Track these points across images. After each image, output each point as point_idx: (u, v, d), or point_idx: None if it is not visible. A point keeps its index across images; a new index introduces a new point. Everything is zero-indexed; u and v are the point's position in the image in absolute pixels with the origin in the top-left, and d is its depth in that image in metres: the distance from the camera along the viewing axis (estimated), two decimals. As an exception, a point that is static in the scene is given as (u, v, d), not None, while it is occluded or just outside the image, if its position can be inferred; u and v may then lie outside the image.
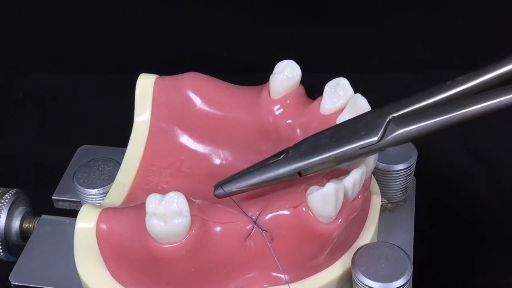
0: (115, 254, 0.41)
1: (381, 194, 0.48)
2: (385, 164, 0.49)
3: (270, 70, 0.47)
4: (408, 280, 0.41)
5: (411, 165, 0.49)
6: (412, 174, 0.50)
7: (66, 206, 0.53)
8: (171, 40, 0.82)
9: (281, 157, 0.41)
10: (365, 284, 0.41)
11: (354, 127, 0.39)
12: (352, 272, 0.42)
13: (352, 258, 0.42)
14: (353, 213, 0.41)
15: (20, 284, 0.47)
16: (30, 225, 0.51)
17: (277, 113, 0.46)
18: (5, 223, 0.51)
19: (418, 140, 0.40)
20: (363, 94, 0.43)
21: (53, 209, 0.53)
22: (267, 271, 0.41)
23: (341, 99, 0.44)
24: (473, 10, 0.80)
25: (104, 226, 0.41)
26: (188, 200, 0.39)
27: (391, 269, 0.41)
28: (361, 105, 0.42)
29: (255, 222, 0.40)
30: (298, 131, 0.46)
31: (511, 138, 0.71)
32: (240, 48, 0.82)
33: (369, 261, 0.42)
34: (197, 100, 0.48)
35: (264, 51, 0.79)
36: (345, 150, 0.39)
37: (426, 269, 0.55)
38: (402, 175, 0.49)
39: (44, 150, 0.72)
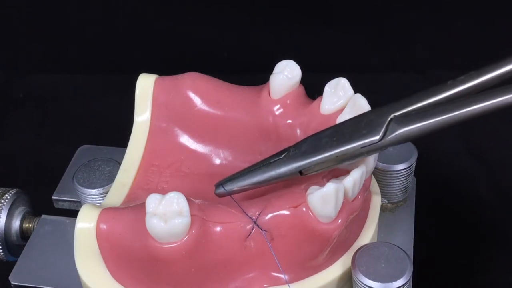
0: (115, 254, 0.41)
1: (381, 194, 0.48)
2: (385, 164, 0.49)
3: (270, 70, 0.47)
4: (408, 280, 0.41)
5: (411, 165, 0.49)
6: (412, 174, 0.50)
7: (66, 206, 0.53)
8: (171, 40, 0.82)
9: (282, 156, 0.41)
10: (365, 284, 0.41)
11: (356, 126, 0.39)
12: (352, 272, 0.42)
13: (352, 258, 0.42)
14: (353, 213, 0.41)
15: (20, 284, 0.47)
16: (30, 225, 0.51)
17: (277, 113, 0.46)
18: (5, 223, 0.51)
19: (418, 140, 0.40)
20: (363, 94, 0.43)
21: (53, 209, 0.53)
22: (267, 271, 0.41)
23: (341, 99, 0.44)
24: (473, 10, 0.80)
25: (104, 226, 0.41)
26: (188, 200, 0.39)
27: (391, 269, 0.41)
28: (361, 105, 0.42)
29: (255, 222, 0.40)
30: (298, 131, 0.46)
31: (511, 138, 0.71)
32: (240, 48, 0.82)
33: (369, 261, 0.42)
34: (197, 100, 0.48)
35: (264, 51, 0.79)
36: (346, 149, 0.39)
37: (426, 269, 0.55)
38: (402, 175, 0.49)
39: (44, 150, 0.72)
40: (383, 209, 0.50)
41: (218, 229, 0.40)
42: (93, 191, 0.49)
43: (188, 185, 0.47)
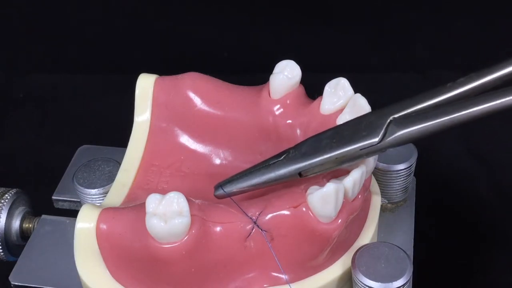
0: (115, 254, 0.41)
1: (381, 194, 0.48)
2: (385, 164, 0.49)
3: (270, 70, 0.47)
4: (408, 280, 0.41)
5: (411, 165, 0.49)
6: (412, 174, 0.50)
7: (66, 206, 0.53)
8: (171, 40, 0.82)
9: (282, 157, 0.41)
10: (365, 284, 0.41)
11: (355, 128, 0.39)
12: (352, 272, 0.42)
13: (352, 258, 0.42)
14: (353, 213, 0.41)
15: (20, 284, 0.47)
16: (30, 225, 0.51)
17: (277, 113, 0.46)
18: (5, 223, 0.51)
19: (419, 141, 0.40)
20: (363, 94, 0.43)
21: (53, 209, 0.53)
22: (267, 271, 0.41)
23: (341, 99, 0.44)
24: (473, 10, 0.80)
25: (104, 226, 0.41)
26: (188, 200, 0.39)
27: (391, 269, 0.41)
28: (361, 105, 0.42)
29: (255, 222, 0.40)
30: (298, 131, 0.46)
31: (511, 138, 0.71)
32: (240, 48, 0.82)
33: (369, 261, 0.42)
34: (197, 100, 0.48)
35: (264, 51, 0.79)
36: (345, 151, 0.39)
37: (426, 269, 0.55)
38: (402, 175, 0.49)
39: (44, 150, 0.72)
40: (383, 209, 0.50)
41: (218, 229, 0.40)
42: (93, 191, 0.49)
43: (188, 185, 0.47)
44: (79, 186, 0.49)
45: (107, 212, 0.41)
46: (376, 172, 0.49)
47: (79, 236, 0.41)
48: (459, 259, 0.60)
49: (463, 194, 0.66)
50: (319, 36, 0.81)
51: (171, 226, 0.38)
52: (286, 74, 0.46)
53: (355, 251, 0.42)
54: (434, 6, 0.81)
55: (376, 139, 0.38)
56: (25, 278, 0.48)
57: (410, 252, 0.48)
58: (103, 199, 0.48)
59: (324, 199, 0.39)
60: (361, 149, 0.39)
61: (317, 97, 0.45)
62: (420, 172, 0.52)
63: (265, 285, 0.42)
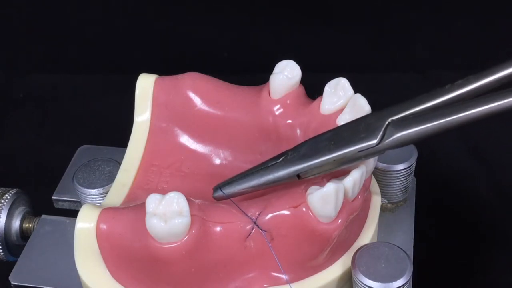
0: (115, 254, 0.41)
1: (381, 194, 0.48)
2: (385, 164, 0.49)
3: (270, 70, 0.47)
4: (408, 280, 0.41)
5: (411, 165, 0.49)
6: (412, 174, 0.50)
7: (66, 206, 0.53)
8: (171, 40, 0.82)
9: (281, 159, 0.41)
10: (365, 284, 0.41)
11: (354, 130, 0.39)
12: (352, 272, 0.42)
13: (352, 258, 0.42)
14: (353, 213, 0.41)
15: (20, 284, 0.47)
16: (30, 225, 0.51)
17: (277, 113, 0.46)
18: (5, 223, 0.51)
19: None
20: (363, 94, 0.43)
21: (53, 209, 0.53)
22: (267, 271, 0.41)
23: (341, 99, 0.44)
24: (473, 10, 0.80)
25: (104, 226, 0.41)
26: (188, 200, 0.39)
27: (391, 269, 0.41)
28: (361, 105, 0.42)
29: (255, 222, 0.40)
30: (298, 131, 0.46)
31: (511, 138, 0.71)
32: (240, 48, 0.82)
33: (369, 261, 0.42)
34: (197, 100, 0.48)
35: (264, 51, 0.79)
36: (344, 153, 0.39)
37: (426, 269, 0.55)
38: (402, 175, 0.49)
39: (44, 150, 0.72)
40: (383, 209, 0.50)
41: (218, 229, 0.40)
42: (93, 191, 0.49)
43: (188, 185, 0.47)
44: (79, 186, 0.49)
45: (107, 212, 0.41)
46: (376, 172, 0.49)
47: (79, 236, 0.41)
48: (459, 259, 0.60)
49: (463, 194, 0.66)
50: (319, 36, 0.81)
51: (171, 226, 0.38)
52: (286, 74, 0.46)
53: (355, 251, 0.42)
54: (434, 6, 0.81)
55: (375, 141, 0.38)
56: (25, 278, 0.48)
57: (410, 252, 0.48)
58: (103, 199, 0.48)
59: (324, 199, 0.39)
60: (359, 151, 0.39)
61: (317, 97, 0.45)
62: (420, 172, 0.52)
63: (265, 285, 0.42)
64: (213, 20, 0.82)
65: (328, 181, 0.40)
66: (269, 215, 0.40)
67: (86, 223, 0.41)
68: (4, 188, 0.52)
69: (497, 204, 0.65)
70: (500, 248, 0.61)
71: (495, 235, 0.62)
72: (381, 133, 0.38)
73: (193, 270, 0.40)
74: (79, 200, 0.51)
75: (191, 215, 0.38)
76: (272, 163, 0.41)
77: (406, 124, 0.38)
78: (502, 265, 0.59)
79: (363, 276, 0.41)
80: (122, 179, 0.47)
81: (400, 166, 0.49)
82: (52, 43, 0.82)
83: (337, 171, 0.41)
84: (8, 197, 0.51)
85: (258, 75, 0.50)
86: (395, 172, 0.49)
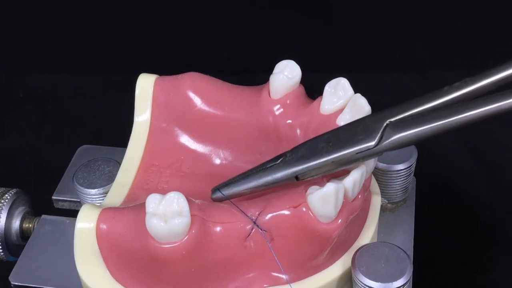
0: (115, 254, 0.41)
1: (381, 194, 0.48)
2: (385, 164, 0.49)
3: (270, 70, 0.47)
4: (408, 280, 0.41)
5: (411, 165, 0.49)
6: (412, 174, 0.50)
7: (66, 206, 0.53)
8: (171, 40, 0.82)
9: (279, 161, 0.41)
10: (365, 284, 0.41)
11: (352, 132, 0.40)
12: (352, 272, 0.42)
13: (352, 258, 0.42)
14: (353, 213, 0.41)
15: (20, 284, 0.47)
16: (30, 225, 0.51)
17: (277, 113, 0.46)
18: (5, 223, 0.51)
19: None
20: (363, 94, 0.43)
21: (53, 209, 0.53)
22: (267, 271, 0.41)
23: (341, 99, 0.44)
24: (473, 10, 0.80)
25: (104, 226, 0.41)
26: (188, 200, 0.39)
27: (391, 269, 0.41)
28: (361, 105, 0.42)
29: (254, 222, 0.40)
30: (298, 131, 0.46)
31: (511, 138, 0.71)
32: (240, 48, 0.82)
33: (369, 261, 0.42)
34: (197, 100, 0.48)
35: (264, 51, 0.79)
36: (342, 155, 0.39)
37: (426, 269, 0.55)
38: (402, 175, 0.49)
39: (44, 150, 0.72)
40: (383, 209, 0.50)
41: (218, 229, 0.40)
42: (93, 191, 0.49)
43: (188, 185, 0.47)
44: (79, 186, 0.49)
45: (107, 212, 0.41)
46: (376, 172, 0.49)
47: (79, 236, 0.41)
48: (459, 259, 0.60)
49: (463, 194, 0.66)
50: (319, 36, 0.81)
51: (171, 226, 0.38)
52: (286, 74, 0.46)
53: (355, 251, 0.42)
54: (434, 6, 0.81)
55: (373, 143, 0.38)
56: (25, 278, 0.48)
57: (410, 252, 0.48)
58: (103, 199, 0.48)
59: (324, 199, 0.39)
60: (357, 153, 0.39)
61: (317, 97, 0.45)
62: (420, 172, 0.52)
63: (265, 285, 0.42)
64: (213, 20, 0.82)
65: (328, 181, 0.40)
66: (269, 215, 0.40)
67: (86, 223, 0.41)
68: (4, 188, 0.52)
69: (497, 204, 0.65)
70: (500, 248, 0.61)
71: (495, 235, 0.62)
72: (379, 134, 0.38)
73: (193, 270, 0.40)
74: (79, 200, 0.51)
75: (191, 215, 0.38)
76: (270, 165, 0.42)
77: (404, 126, 0.38)
78: (502, 265, 0.59)
79: (363, 276, 0.41)
80: (122, 179, 0.47)
81: (400, 166, 0.49)
82: (52, 43, 0.82)
83: (337, 171, 0.41)
84: (8, 197, 0.51)
85: (258, 75, 0.50)
86: (395, 172, 0.49)
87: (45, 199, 0.54)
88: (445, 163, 0.69)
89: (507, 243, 0.61)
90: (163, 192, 0.39)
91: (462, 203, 0.65)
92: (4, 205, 0.50)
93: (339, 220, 0.40)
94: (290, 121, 0.46)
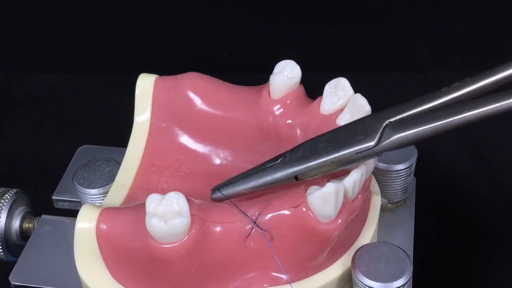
0: (115, 254, 0.41)
1: (381, 194, 0.48)
2: (385, 164, 0.49)
3: (270, 70, 0.47)
4: (408, 280, 0.41)
5: (411, 165, 0.49)
6: (412, 174, 0.50)
7: (66, 206, 0.53)
8: (171, 40, 0.82)
9: (278, 161, 0.41)
10: (365, 284, 0.41)
11: (351, 132, 0.40)
12: (352, 272, 0.42)
13: (352, 258, 0.42)
14: (353, 213, 0.41)
15: (20, 284, 0.47)
16: (30, 225, 0.51)
17: (277, 113, 0.46)
18: (5, 223, 0.51)
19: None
20: (363, 94, 0.43)
21: (53, 209, 0.53)
22: (267, 271, 0.41)
23: (341, 99, 0.44)
24: (473, 10, 0.80)
25: (104, 226, 0.41)
26: (188, 200, 0.39)
27: (391, 269, 0.41)
28: (361, 105, 0.42)
29: (254, 222, 0.40)
30: (298, 131, 0.46)
31: (511, 138, 0.71)
32: (240, 48, 0.82)
33: (369, 261, 0.42)
34: (197, 100, 0.48)
35: (264, 51, 0.79)
36: (341, 155, 0.39)
37: (426, 269, 0.55)
38: (402, 175, 0.49)
39: (44, 150, 0.72)
40: (383, 209, 0.50)
41: (218, 229, 0.40)
42: (93, 191, 0.49)
43: (188, 185, 0.47)
44: (79, 186, 0.49)
45: (107, 212, 0.41)
46: (376, 172, 0.49)
47: (79, 236, 0.41)
48: (459, 259, 0.60)
49: (463, 194, 0.66)
50: (319, 36, 0.81)
51: (171, 226, 0.38)
52: (286, 74, 0.46)
53: (355, 251, 0.42)
54: (434, 6, 0.81)
55: (372, 143, 0.38)
56: (25, 278, 0.48)
57: (410, 252, 0.48)
58: (103, 199, 0.48)
59: (324, 199, 0.39)
60: (357, 153, 0.39)
61: (317, 97, 0.45)
62: (420, 172, 0.52)
63: (265, 285, 0.42)
64: (213, 20, 0.82)
65: (328, 181, 0.40)
66: (269, 215, 0.40)
67: (86, 223, 0.41)
68: (4, 188, 0.52)
69: (497, 204, 0.65)
70: (500, 248, 0.61)
71: (495, 235, 0.62)
72: (378, 135, 0.38)
73: (193, 270, 0.40)
74: (79, 200, 0.51)
75: (191, 215, 0.38)
76: (270, 165, 0.42)
77: (403, 126, 0.38)
78: (502, 265, 0.59)
79: (363, 276, 0.41)
80: (122, 179, 0.47)
81: (400, 166, 0.49)
82: (52, 43, 0.82)
83: (337, 171, 0.41)
84: (8, 197, 0.51)
85: (258, 75, 0.50)
86: (395, 172, 0.49)
87: (45, 199, 0.54)
88: (445, 163, 0.69)
89: (507, 243, 0.61)
90: (163, 192, 0.39)
91: (462, 203, 0.65)
92: (4, 205, 0.50)
93: (339, 220, 0.40)
94: (290, 121, 0.46)
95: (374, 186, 0.48)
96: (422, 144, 0.41)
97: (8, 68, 0.82)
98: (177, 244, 0.38)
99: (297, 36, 0.82)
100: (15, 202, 0.51)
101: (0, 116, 0.77)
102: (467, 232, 0.62)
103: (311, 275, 0.42)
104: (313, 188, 0.40)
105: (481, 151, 0.70)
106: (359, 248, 0.43)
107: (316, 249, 0.41)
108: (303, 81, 0.47)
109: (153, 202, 0.39)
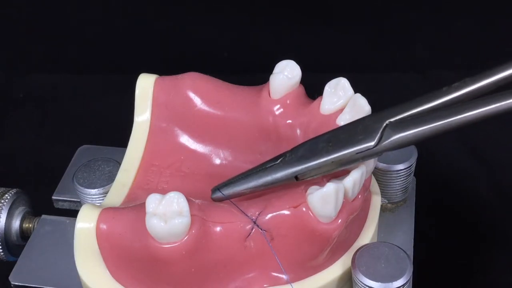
0: (115, 254, 0.41)
1: (381, 194, 0.48)
2: (385, 164, 0.49)
3: (270, 70, 0.47)
4: (408, 280, 0.41)
5: (411, 165, 0.49)
6: (412, 174, 0.50)
7: (66, 206, 0.53)
8: (171, 40, 0.82)
9: (279, 161, 0.41)
10: (365, 284, 0.41)
11: (352, 132, 0.40)
12: (352, 272, 0.42)
13: (352, 258, 0.42)
14: (353, 213, 0.41)
15: (20, 284, 0.47)
16: (30, 225, 0.51)
17: (277, 113, 0.46)
18: (5, 223, 0.51)
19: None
20: (363, 94, 0.43)
21: (53, 209, 0.53)
22: (267, 271, 0.41)
23: (341, 99, 0.44)
24: (473, 10, 0.80)
25: (104, 226, 0.41)
26: (188, 200, 0.39)
27: (391, 269, 0.41)
28: (361, 105, 0.42)
29: (254, 222, 0.40)
30: (298, 131, 0.46)
31: (511, 138, 0.71)
32: (240, 48, 0.82)
33: (369, 261, 0.42)
34: (197, 100, 0.48)
35: (264, 51, 0.79)
36: (341, 155, 0.39)
37: (426, 269, 0.55)
38: (402, 175, 0.49)
39: (44, 150, 0.72)
40: (383, 209, 0.50)
41: (218, 229, 0.40)
42: (93, 191, 0.49)
43: (188, 185, 0.47)
44: (79, 186, 0.49)
45: (107, 212, 0.41)
46: (376, 172, 0.49)
47: (79, 236, 0.41)
48: (459, 259, 0.60)
49: (463, 194, 0.66)
50: (319, 36, 0.81)
51: (171, 226, 0.38)
52: (286, 74, 0.46)
53: (355, 251, 0.42)
54: (434, 6, 0.81)
55: (372, 143, 0.38)
56: (25, 278, 0.48)
57: (410, 252, 0.48)
58: (103, 199, 0.48)
59: (324, 199, 0.39)
60: (357, 153, 0.39)
61: (317, 97, 0.45)
62: (420, 172, 0.52)
63: (265, 285, 0.42)
64: (213, 20, 0.82)
65: (328, 181, 0.40)
66: (269, 215, 0.40)
67: (86, 223, 0.41)
68: (4, 188, 0.52)
69: (497, 204, 0.65)
70: (500, 248, 0.61)
71: (495, 235, 0.62)
72: (378, 135, 0.38)
73: (193, 270, 0.40)
74: (79, 200, 0.51)
75: (191, 215, 0.38)
76: (270, 165, 0.42)
77: (403, 126, 0.38)
78: (502, 265, 0.59)
79: (363, 276, 0.41)
80: (122, 179, 0.47)
81: (400, 166, 0.49)
82: (52, 43, 0.82)
83: (337, 171, 0.41)
84: (8, 197, 0.51)
85: (258, 75, 0.50)
86: (395, 172, 0.49)
87: (45, 199, 0.54)
88: (445, 163, 0.69)
89: (507, 243, 0.61)
90: (163, 192, 0.39)
91: (462, 203, 0.65)
92: (4, 205, 0.50)
93: (339, 220, 0.40)
94: (290, 121, 0.46)
95: (374, 186, 0.48)
96: (422, 144, 0.41)
97: (8, 68, 0.82)
98: (177, 244, 0.38)
99: (297, 36, 0.82)
100: (15, 202, 0.51)
101: (0, 116, 0.77)
102: (467, 232, 0.62)
103: (311, 275, 0.42)
104: (313, 188, 0.40)
105: (481, 151, 0.70)
106: (359, 248, 0.43)
107: (316, 249, 0.41)
108: (303, 81, 0.47)
109: (153, 202, 0.39)
